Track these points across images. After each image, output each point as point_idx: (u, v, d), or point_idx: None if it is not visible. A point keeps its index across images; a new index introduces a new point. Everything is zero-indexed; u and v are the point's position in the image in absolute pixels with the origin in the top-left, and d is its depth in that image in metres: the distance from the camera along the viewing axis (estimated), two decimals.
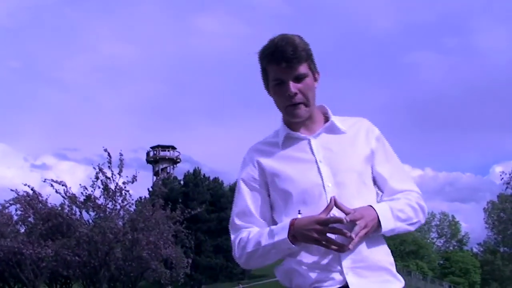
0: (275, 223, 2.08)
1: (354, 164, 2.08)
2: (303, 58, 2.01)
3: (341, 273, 1.93)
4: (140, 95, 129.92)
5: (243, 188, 2.16)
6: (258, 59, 2.09)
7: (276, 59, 2.00)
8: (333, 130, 2.14)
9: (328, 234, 1.87)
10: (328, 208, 1.88)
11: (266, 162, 2.12)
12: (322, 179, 2.01)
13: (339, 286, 1.93)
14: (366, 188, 2.08)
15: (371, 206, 1.97)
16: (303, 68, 2.03)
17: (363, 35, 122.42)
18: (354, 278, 1.93)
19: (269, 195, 2.13)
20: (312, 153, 2.07)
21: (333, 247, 1.87)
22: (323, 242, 1.87)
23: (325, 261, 1.95)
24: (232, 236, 2.15)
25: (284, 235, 1.92)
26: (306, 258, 1.97)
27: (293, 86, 2.01)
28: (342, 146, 2.10)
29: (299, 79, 2.03)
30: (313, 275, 1.95)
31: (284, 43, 1.98)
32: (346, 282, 1.92)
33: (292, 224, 1.93)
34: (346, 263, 1.93)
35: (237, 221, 2.13)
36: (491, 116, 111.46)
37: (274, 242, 1.95)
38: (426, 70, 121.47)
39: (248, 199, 2.13)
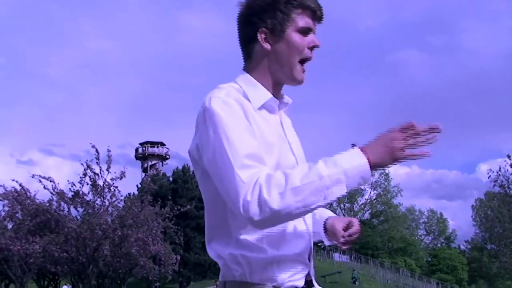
0: None
1: (302, 152, 1.94)
2: (323, 17, 1.88)
3: (307, 266, 1.79)
4: (126, 91, 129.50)
5: (240, 124, 1.67)
6: (275, 0, 1.80)
7: (313, 6, 1.81)
8: (286, 111, 1.96)
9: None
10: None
11: (250, 115, 1.73)
12: (297, 161, 1.82)
13: (304, 276, 1.78)
14: None
15: None
16: None
17: (349, 34, 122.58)
18: (311, 273, 1.83)
19: None
20: (284, 131, 1.87)
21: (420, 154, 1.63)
22: (410, 151, 1.62)
23: (299, 251, 1.76)
24: (245, 174, 1.57)
25: (359, 159, 1.58)
26: (284, 249, 1.72)
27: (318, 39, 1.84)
28: (293, 132, 1.95)
29: None
30: (289, 268, 1.72)
31: None
32: (309, 275, 1.80)
33: (362, 149, 1.61)
34: (310, 256, 1.82)
35: (251, 162, 1.60)
36: (477, 115, 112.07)
37: (346, 169, 1.55)
38: (412, 69, 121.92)
39: (253, 139, 1.66)
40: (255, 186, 1.54)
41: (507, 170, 30.10)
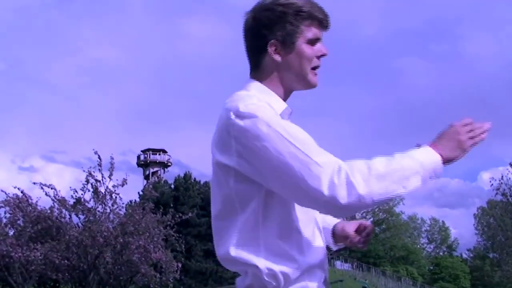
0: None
1: None
2: (330, 25, 1.95)
3: (325, 272, 1.86)
4: (128, 98, 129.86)
5: (294, 126, 1.68)
6: (281, 10, 1.83)
7: (321, 17, 1.88)
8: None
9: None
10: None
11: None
12: None
13: (324, 283, 1.84)
14: None
15: None
16: None
17: (350, 41, 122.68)
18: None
19: None
20: None
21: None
22: (473, 141, 1.75)
23: (322, 259, 1.81)
24: (323, 157, 1.57)
25: (432, 156, 1.67)
26: (311, 257, 1.75)
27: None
28: None
29: None
30: (317, 276, 1.78)
31: (322, 7, 1.90)
32: (326, 280, 1.86)
33: (431, 144, 1.71)
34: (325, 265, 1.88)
35: (322, 150, 1.63)
36: (478, 121, 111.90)
37: (422, 161, 1.64)
38: (413, 76, 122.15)
39: (309, 138, 1.66)
40: (341, 169, 1.54)
41: (510, 178, 30.13)
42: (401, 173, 1.58)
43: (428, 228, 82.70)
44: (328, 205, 1.55)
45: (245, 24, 1.91)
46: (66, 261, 21.06)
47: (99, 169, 20.29)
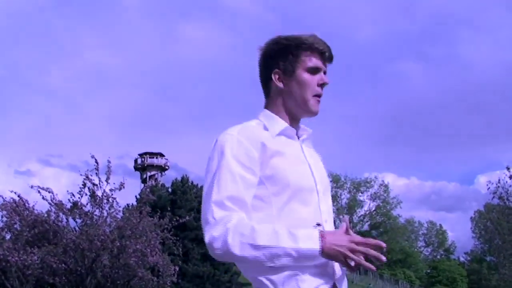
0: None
1: (327, 178, 2.18)
2: (333, 58, 2.14)
3: (332, 278, 1.93)
4: (125, 102, 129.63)
5: (237, 168, 1.90)
6: (284, 43, 2.06)
7: (321, 48, 2.06)
8: (309, 140, 2.19)
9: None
10: (347, 229, 1.88)
11: (269, 143, 1.97)
12: (316, 183, 2.03)
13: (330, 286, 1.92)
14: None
15: None
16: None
17: (347, 44, 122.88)
18: (338, 284, 1.96)
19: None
20: (304, 156, 2.08)
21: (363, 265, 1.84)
22: (352, 262, 1.83)
23: (321, 264, 1.90)
24: (220, 213, 1.84)
25: (314, 245, 1.79)
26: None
27: (326, 77, 2.10)
28: (316, 159, 2.17)
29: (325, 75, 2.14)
30: (312, 281, 1.89)
31: (324, 41, 2.09)
32: (335, 285, 1.94)
33: (322, 236, 1.81)
34: (336, 269, 1.95)
35: (230, 204, 1.87)
36: (475, 126, 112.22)
37: (299, 248, 1.77)
38: (411, 80, 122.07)
39: (241, 184, 1.89)
40: (224, 227, 1.80)
41: (506, 182, 30.15)
42: (275, 251, 1.76)
43: (425, 231, 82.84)
44: (207, 246, 1.87)
45: (259, 57, 2.16)
46: (63, 265, 21.03)
47: (96, 173, 20.29)
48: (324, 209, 2.03)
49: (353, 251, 1.79)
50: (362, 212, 77.24)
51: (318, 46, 2.06)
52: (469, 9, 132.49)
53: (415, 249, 79.57)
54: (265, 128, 2.05)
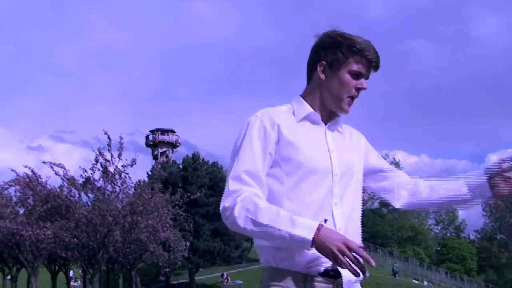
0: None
1: (355, 164, 2.22)
2: (379, 68, 2.20)
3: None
4: (136, 80, 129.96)
5: (257, 146, 2.06)
6: (339, 40, 2.13)
7: (371, 58, 2.12)
8: (339, 127, 2.25)
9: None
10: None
11: (285, 129, 2.09)
12: (332, 168, 2.10)
13: (329, 267, 2.00)
14: (359, 186, 2.25)
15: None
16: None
17: (357, 23, 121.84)
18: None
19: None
20: (326, 140, 2.15)
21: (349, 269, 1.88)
22: (339, 262, 1.87)
23: None
24: (234, 186, 2.00)
25: (308, 234, 1.87)
26: None
27: (365, 84, 2.17)
28: (344, 144, 2.23)
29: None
30: (308, 255, 1.97)
31: (376, 50, 2.15)
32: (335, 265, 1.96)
33: (319, 229, 1.88)
34: None
35: (246, 178, 2.02)
36: (487, 105, 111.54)
37: (294, 234, 1.88)
38: (422, 58, 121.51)
39: (260, 161, 2.05)
40: (235, 199, 1.96)
41: None
42: (272, 232, 1.90)
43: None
44: (221, 214, 2.01)
45: (313, 44, 2.22)
46: (75, 239, 21.27)
47: (108, 149, 20.40)
48: (336, 193, 2.09)
49: (342, 252, 1.85)
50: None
51: (368, 55, 2.12)
52: None
53: (425, 227, 79.52)
54: (293, 113, 2.16)
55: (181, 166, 48.74)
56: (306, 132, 2.12)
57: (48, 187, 22.66)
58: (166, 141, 79.78)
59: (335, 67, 2.13)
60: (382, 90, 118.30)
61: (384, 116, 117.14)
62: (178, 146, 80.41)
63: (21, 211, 24.32)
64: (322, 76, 2.15)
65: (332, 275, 2.01)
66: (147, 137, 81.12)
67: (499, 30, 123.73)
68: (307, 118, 2.15)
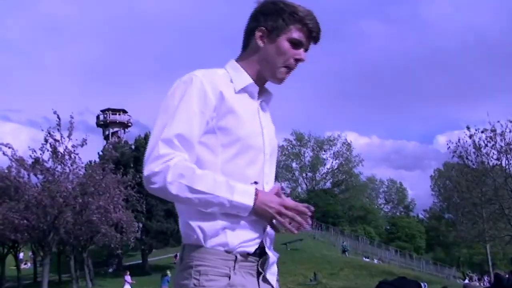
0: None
1: (276, 143, 2.17)
2: (319, 40, 2.12)
3: (261, 237, 1.96)
4: (85, 56, 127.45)
5: (195, 110, 1.90)
6: (281, 7, 2.05)
7: (310, 26, 2.05)
8: (267, 101, 2.17)
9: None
10: (278, 193, 1.94)
11: (228, 96, 1.96)
12: (264, 146, 2.03)
13: (257, 247, 1.95)
14: None
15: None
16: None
17: (310, 2, 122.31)
18: (267, 244, 1.99)
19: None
20: (259, 116, 2.07)
21: (284, 229, 1.91)
22: (279, 223, 1.89)
23: (252, 221, 1.93)
24: (165, 149, 1.84)
25: (248, 200, 1.85)
26: (234, 218, 1.90)
27: (305, 54, 2.09)
28: (269, 122, 2.15)
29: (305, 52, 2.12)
30: (240, 235, 1.91)
31: (318, 20, 2.08)
32: (263, 244, 1.97)
33: (257, 194, 1.86)
34: (267, 228, 1.98)
35: (177, 143, 1.86)
36: (436, 86, 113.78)
37: (233, 200, 1.83)
38: (373, 39, 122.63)
39: (196, 127, 1.90)
40: (166, 164, 1.82)
41: (466, 141, 30.80)
42: (210, 198, 1.82)
43: (385, 189, 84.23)
44: (144, 179, 1.84)
45: (253, 9, 2.12)
46: (25, 221, 20.92)
47: (58, 129, 20.05)
48: (267, 172, 2.03)
49: (280, 214, 1.86)
50: (325, 170, 78.13)
51: (309, 23, 2.05)
52: None
53: (376, 206, 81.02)
54: (231, 81, 2.04)
55: (133, 146, 48.31)
56: (244, 104, 2.01)
57: None
58: (117, 121, 78.64)
59: (274, 34, 2.05)
60: (333, 71, 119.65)
61: (334, 97, 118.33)
62: (130, 126, 79.44)
63: None
64: (260, 42, 2.06)
65: (259, 254, 1.95)
66: (97, 117, 79.79)
67: (450, 14, 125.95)
68: (245, 89, 2.04)
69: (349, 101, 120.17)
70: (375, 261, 49.12)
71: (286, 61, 2.05)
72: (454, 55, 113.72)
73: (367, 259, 48.23)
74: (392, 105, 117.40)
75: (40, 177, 21.02)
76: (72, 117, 20.19)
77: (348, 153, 77.03)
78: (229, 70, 2.07)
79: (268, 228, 1.97)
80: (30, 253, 35.85)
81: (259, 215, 1.87)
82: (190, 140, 1.88)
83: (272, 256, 1.98)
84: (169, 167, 1.81)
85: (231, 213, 1.87)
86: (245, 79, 2.05)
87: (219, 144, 1.93)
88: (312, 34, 2.07)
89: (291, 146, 78.43)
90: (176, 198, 1.84)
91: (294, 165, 78.87)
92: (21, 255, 36.83)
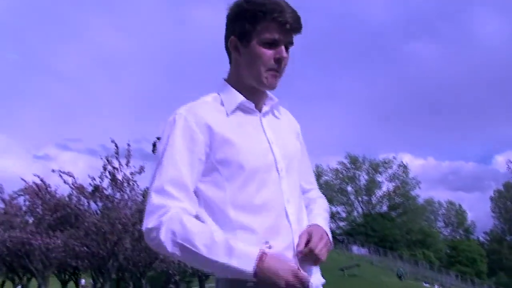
0: (203, 196, 1.80)
1: (297, 152, 2.00)
2: (301, 29, 1.89)
3: (295, 263, 1.78)
4: (139, 86, 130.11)
5: (181, 152, 1.78)
6: (244, 7, 1.84)
7: (282, 18, 1.80)
8: (275, 111, 2.01)
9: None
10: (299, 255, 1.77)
11: (218, 128, 1.80)
12: (276, 162, 1.85)
13: None
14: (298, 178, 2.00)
15: (318, 225, 1.90)
16: (293, 39, 1.90)
17: (361, 27, 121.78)
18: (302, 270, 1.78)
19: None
20: (264, 131, 1.89)
21: None
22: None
23: (279, 250, 1.77)
24: (158, 200, 1.73)
25: (247, 265, 1.65)
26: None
27: (284, 51, 1.86)
28: (283, 131, 1.98)
29: (287, 48, 1.89)
30: None
31: (290, 6, 1.84)
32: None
33: (261, 259, 1.66)
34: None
35: (171, 189, 1.74)
36: (492, 106, 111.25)
37: (230, 265, 1.65)
38: (427, 59, 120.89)
39: (186, 169, 1.77)
40: (159, 220, 1.70)
41: None
42: (205, 261, 1.67)
43: (444, 211, 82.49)
44: (144, 235, 1.76)
45: None
46: (85, 248, 21.27)
47: (116, 157, 20.42)
48: (285, 189, 1.84)
49: (291, 285, 1.66)
50: (381, 193, 77.09)
51: (277, 17, 1.80)
52: None
53: (434, 229, 79.30)
54: (222, 104, 1.89)
55: None
56: (240, 125, 1.85)
57: (57, 196, 22.70)
58: None
59: (245, 41, 1.85)
60: (387, 92, 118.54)
61: (389, 118, 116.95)
62: None
63: (31, 220, 24.38)
64: (236, 54, 1.89)
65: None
66: (153, 144, 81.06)
67: (504, 30, 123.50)
68: (239, 108, 1.88)
69: (403, 123, 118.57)
70: (436, 286, 47.95)
71: (266, 64, 1.84)
72: (509, 73, 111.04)
73: (427, 285, 47.17)
74: (448, 125, 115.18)
75: (100, 204, 21.40)
76: (129, 145, 20.56)
77: (404, 175, 75.94)
78: (220, 92, 1.93)
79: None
80: (90, 280, 36.42)
81: (265, 284, 1.66)
82: (182, 184, 1.75)
83: (317, 282, 1.84)
84: (162, 223, 1.69)
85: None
86: (235, 97, 1.89)
87: (223, 179, 1.79)
88: (286, 27, 1.82)
89: (346, 169, 77.85)
90: (173, 256, 1.72)
91: (349, 188, 78.15)
92: (83, 281, 37.47)
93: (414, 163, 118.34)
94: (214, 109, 1.86)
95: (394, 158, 76.46)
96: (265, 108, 1.95)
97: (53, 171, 20.69)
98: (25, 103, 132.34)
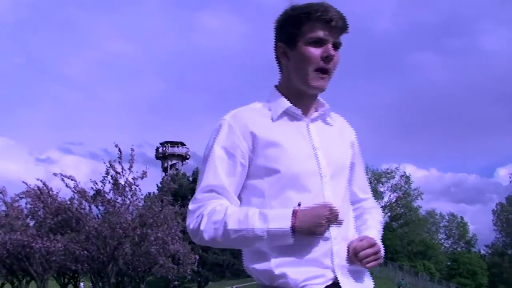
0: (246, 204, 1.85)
1: (345, 159, 2.00)
2: (347, 28, 1.90)
3: (332, 270, 1.80)
4: (143, 91, 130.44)
5: (223, 159, 1.84)
6: (289, 14, 1.88)
7: (326, 16, 1.82)
8: (327, 118, 2.00)
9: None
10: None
11: (261, 134, 1.84)
12: (320, 168, 1.85)
13: (329, 283, 1.78)
14: (347, 185, 2.00)
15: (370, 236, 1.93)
16: (341, 39, 1.91)
17: (365, 36, 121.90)
18: (343, 277, 1.82)
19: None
20: (310, 137, 1.90)
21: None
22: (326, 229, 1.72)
23: (315, 256, 1.78)
24: (193, 205, 1.83)
25: (285, 223, 1.69)
26: (295, 253, 1.76)
27: (332, 49, 1.87)
28: (333, 137, 1.98)
29: (336, 47, 1.89)
30: (303, 272, 1.76)
31: (333, 7, 1.86)
32: (337, 279, 1.80)
33: (295, 214, 1.70)
34: (337, 260, 1.82)
35: (208, 194, 1.83)
36: (495, 118, 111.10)
37: (270, 229, 1.69)
38: (431, 71, 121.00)
39: (225, 175, 1.83)
40: (199, 216, 1.80)
41: None
42: (246, 235, 1.71)
43: (446, 223, 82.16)
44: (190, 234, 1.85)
45: None
46: (85, 252, 21.29)
47: (119, 161, 20.45)
48: (329, 195, 1.82)
49: (324, 225, 1.71)
50: (383, 204, 76.81)
51: (321, 15, 1.81)
52: (489, 0, 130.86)
53: (436, 241, 78.99)
54: (269, 109, 1.92)
55: (190, 178, 48.84)
56: (285, 131, 1.87)
57: (59, 199, 22.73)
58: (175, 153, 79.91)
59: (292, 45, 1.87)
60: (391, 103, 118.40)
61: (392, 129, 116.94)
62: (187, 158, 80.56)
63: (32, 223, 24.41)
64: (284, 60, 1.92)
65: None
66: (157, 149, 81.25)
67: (509, 42, 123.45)
68: (285, 114, 1.90)
69: (406, 134, 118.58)
70: None
71: (314, 64, 1.85)
72: None
73: None
74: (451, 137, 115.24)
75: (101, 208, 21.43)
76: (132, 150, 20.60)
77: (406, 186, 75.66)
78: (270, 98, 1.96)
79: (341, 260, 1.82)
80: (89, 284, 36.38)
81: (311, 234, 1.71)
82: (222, 187, 1.81)
83: (351, 286, 1.82)
84: (203, 216, 1.79)
85: (282, 247, 1.74)
86: (282, 103, 1.91)
87: (264, 183, 1.82)
88: (331, 24, 1.83)
89: None
90: (215, 243, 1.78)
91: None
92: (82, 285, 37.43)
93: (417, 174, 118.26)
94: (260, 115, 1.90)
95: (396, 168, 76.23)
96: (314, 114, 1.96)
97: (55, 174, 20.78)
98: (28, 107, 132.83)
